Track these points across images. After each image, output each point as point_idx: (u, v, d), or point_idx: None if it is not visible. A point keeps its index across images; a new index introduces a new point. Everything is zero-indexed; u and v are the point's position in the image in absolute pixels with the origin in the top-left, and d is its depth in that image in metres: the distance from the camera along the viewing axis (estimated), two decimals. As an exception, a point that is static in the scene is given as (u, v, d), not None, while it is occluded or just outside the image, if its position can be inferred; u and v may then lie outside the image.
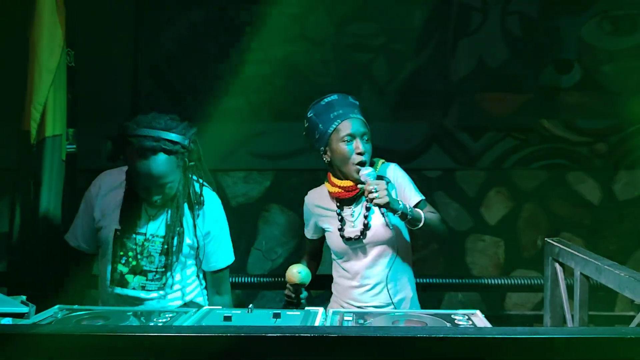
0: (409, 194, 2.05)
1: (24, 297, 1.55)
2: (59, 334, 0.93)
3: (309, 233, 2.22)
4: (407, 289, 2.09)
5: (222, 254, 2.04)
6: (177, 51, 3.41)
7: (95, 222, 1.95)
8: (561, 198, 3.45)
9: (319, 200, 2.15)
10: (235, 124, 3.29)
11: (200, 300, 2.03)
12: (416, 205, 2.01)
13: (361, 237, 2.03)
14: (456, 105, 3.42)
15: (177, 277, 1.95)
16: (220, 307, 1.70)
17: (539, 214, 3.44)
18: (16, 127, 2.30)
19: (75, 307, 1.67)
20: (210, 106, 3.29)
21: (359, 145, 1.99)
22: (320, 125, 2.05)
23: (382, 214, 1.92)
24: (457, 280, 3.01)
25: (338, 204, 2.09)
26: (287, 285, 2.01)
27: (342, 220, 2.06)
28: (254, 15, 3.39)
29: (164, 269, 1.90)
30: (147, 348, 0.92)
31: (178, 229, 1.91)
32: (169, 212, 1.92)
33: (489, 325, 1.54)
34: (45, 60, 2.21)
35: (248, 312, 1.59)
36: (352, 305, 2.06)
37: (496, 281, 2.97)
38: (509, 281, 2.99)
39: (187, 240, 1.94)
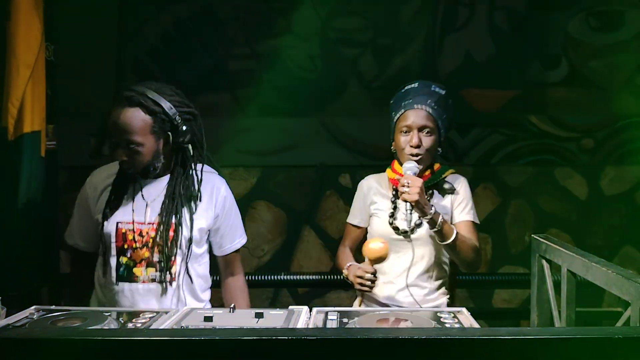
0: (460, 210, 2.02)
1: (-2, 298, 1.51)
2: (25, 339, 0.89)
3: (355, 218, 2.13)
4: (439, 299, 2.02)
5: (233, 237, 1.99)
6: (161, 46, 3.36)
7: (97, 222, 1.88)
8: (548, 194, 3.45)
9: (376, 183, 2.10)
10: (220, 120, 3.26)
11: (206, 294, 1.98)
12: (459, 224, 1.99)
13: (409, 232, 1.98)
14: (443, 101, 3.40)
15: (190, 266, 1.88)
16: (201, 307, 1.66)
17: (526, 210, 3.44)
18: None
19: (53, 307, 1.62)
20: (195, 102, 3.25)
21: (413, 137, 1.94)
22: (392, 112, 2.03)
23: (408, 211, 1.87)
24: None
25: (394, 192, 2.04)
26: (359, 266, 1.89)
27: (395, 208, 1.98)
28: (240, 9, 3.35)
29: (172, 258, 1.83)
30: (119, 353, 0.88)
31: (178, 216, 1.84)
32: (166, 200, 1.85)
33: (475, 323, 1.52)
34: (23, 55, 2.15)
35: (230, 312, 1.56)
36: (382, 302, 2.00)
37: (484, 277, 2.96)
38: (497, 277, 2.99)
39: (197, 225, 1.87)
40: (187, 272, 1.87)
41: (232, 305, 1.58)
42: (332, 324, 1.50)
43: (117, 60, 3.33)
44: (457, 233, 1.91)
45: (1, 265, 2.15)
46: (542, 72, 3.40)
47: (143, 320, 1.52)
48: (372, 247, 1.83)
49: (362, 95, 3.39)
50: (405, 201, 1.85)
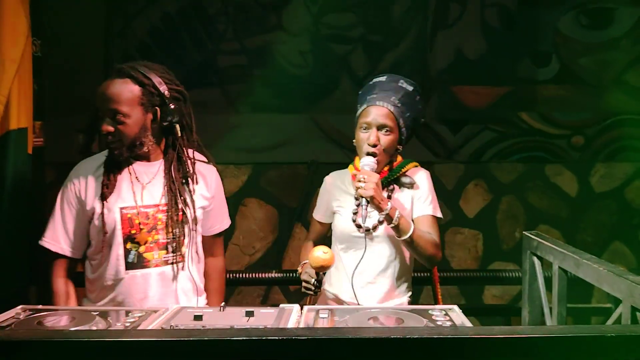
0: (420, 204, 1.99)
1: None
2: (9, 341, 0.87)
3: (319, 214, 2.13)
4: (401, 298, 2.00)
5: (222, 218, 2.03)
6: (150, 41, 3.33)
7: (90, 215, 1.81)
8: (539, 190, 3.46)
9: (339, 180, 2.08)
10: (210, 116, 3.23)
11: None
12: (419, 218, 1.96)
13: (372, 230, 1.95)
14: (435, 98, 3.40)
15: (196, 243, 1.90)
16: (192, 306, 1.65)
17: (517, 207, 3.45)
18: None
19: (40, 307, 1.60)
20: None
21: (371, 135, 1.91)
22: (357, 105, 2.00)
23: (363, 206, 1.85)
24: (435, 274, 2.99)
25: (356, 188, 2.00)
26: (306, 270, 1.93)
27: (359, 205, 1.90)
28: (229, 4, 3.32)
29: (181, 238, 1.83)
30: (106, 355, 0.87)
31: (182, 197, 1.84)
32: (167, 182, 1.83)
33: (466, 320, 1.52)
34: (8, 50, 2.12)
35: (220, 310, 1.54)
36: (344, 300, 1.98)
37: (474, 274, 2.96)
38: (487, 274, 2.99)
39: (198, 204, 1.89)
40: (196, 251, 1.91)
41: (222, 304, 1.57)
42: (323, 322, 1.49)
43: (105, 56, 3.30)
44: (414, 229, 1.89)
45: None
46: (532, 69, 3.41)
47: (132, 320, 1.50)
48: (316, 255, 1.85)
49: (354, 92, 3.34)
50: (361, 197, 1.84)
